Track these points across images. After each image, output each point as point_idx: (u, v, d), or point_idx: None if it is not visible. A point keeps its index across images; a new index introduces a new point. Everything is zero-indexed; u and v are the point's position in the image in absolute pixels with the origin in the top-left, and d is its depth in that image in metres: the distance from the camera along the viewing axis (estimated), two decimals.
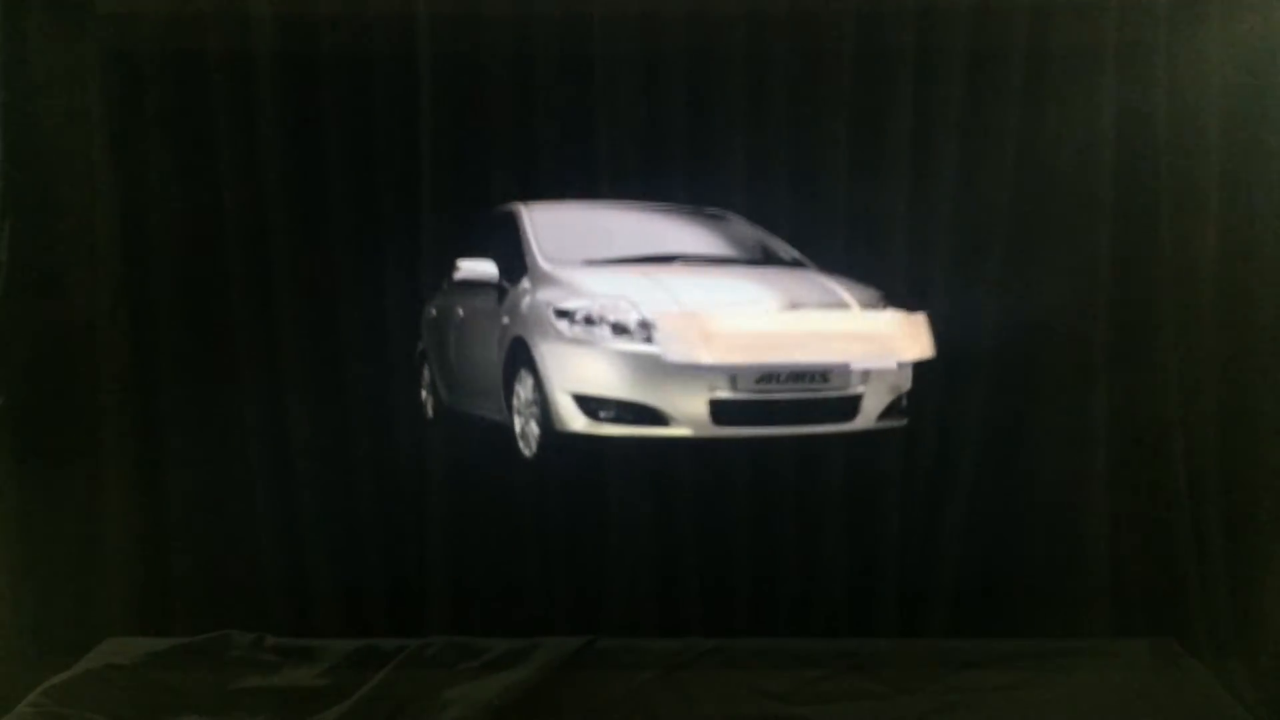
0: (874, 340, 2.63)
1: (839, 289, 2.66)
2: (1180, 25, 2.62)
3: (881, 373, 2.63)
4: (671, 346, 2.52)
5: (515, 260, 2.72)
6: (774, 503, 2.72)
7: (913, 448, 2.71)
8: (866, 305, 2.65)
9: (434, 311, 2.83)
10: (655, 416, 2.54)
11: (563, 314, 2.58)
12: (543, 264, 2.69)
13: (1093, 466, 2.69)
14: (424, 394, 2.88)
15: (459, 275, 2.70)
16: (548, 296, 2.63)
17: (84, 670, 2.48)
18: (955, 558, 2.73)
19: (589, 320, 2.56)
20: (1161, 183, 2.65)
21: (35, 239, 2.65)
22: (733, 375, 2.54)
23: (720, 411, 2.54)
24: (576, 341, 2.56)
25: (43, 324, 2.68)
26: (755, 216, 2.71)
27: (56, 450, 2.70)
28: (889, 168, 2.65)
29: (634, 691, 2.49)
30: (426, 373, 2.88)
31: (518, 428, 2.71)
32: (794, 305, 2.62)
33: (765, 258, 2.76)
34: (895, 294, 2.67)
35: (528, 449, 2.69)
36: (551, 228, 2.73)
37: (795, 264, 2.73)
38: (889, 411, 2.66)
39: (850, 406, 2.62)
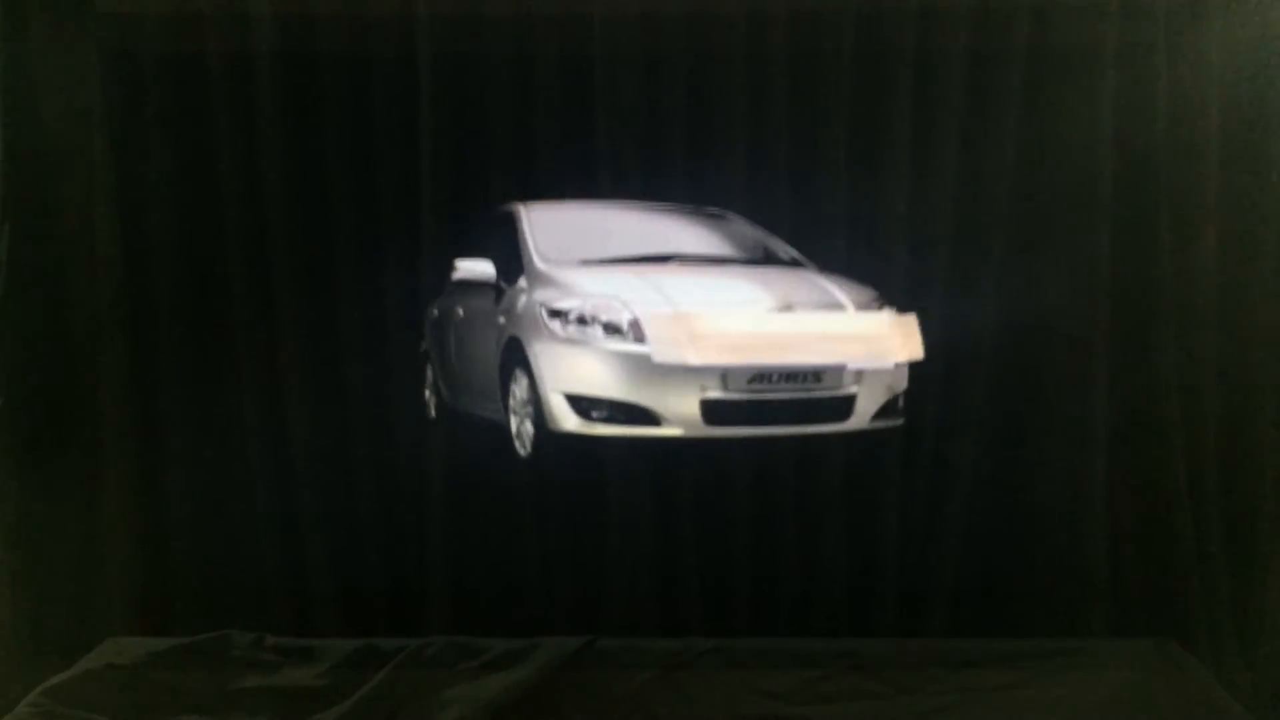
0: (867, 341, 2.63)
1: (834, 289, 2.66)
2: (1180, 25, 2.62)
3: (876, 373, 2.62)
4: (659, 347, 2.52)
5: (513, 260, 2.72)
6: (774, 503, 2.72)
7: (913, 448, 2.71)
8: (861, 306, 2.65)
9: (436, 311, 2.84)
10: (647, 416, 2.54)
11: (556, 314, 2.58)
12: (539, 264, 2.69)
13: (1092, 466, 2.69)
14: (427, 394, 2.88)
15: (457, 275, 2.71)
16: (542, 296, 2.63)
17: (84, 670, 2.48)
18: (955, 558, 2.73)
19: (582, 320, 2.56)
20: (1161, 183, 2.65)
21: (35, 239, 2.65)
22: (724, 375, 2.54)
23: (712, 411, 2.54)
24: (569, 341, 2.57)
25: (43, 324, 2.68)
26: (755, 216, 2.71)
27: (56, 450, 2.70)
28: (889, 168, 2.65)
29: (634, 691, 2.49)
30: (430, 372, 2.89)
31: (514, 427, 2.72)
32: (787, 306, 2.62)
33: (763, 258, 2.75)
34: (891, 294, 2.67)
35: (523, 449, 2.69)
36: (549, 227, 2.73)
37: (793, 264, 2.73)
38: (884, 412, 2.65)
39: (844, 407, 2.62)
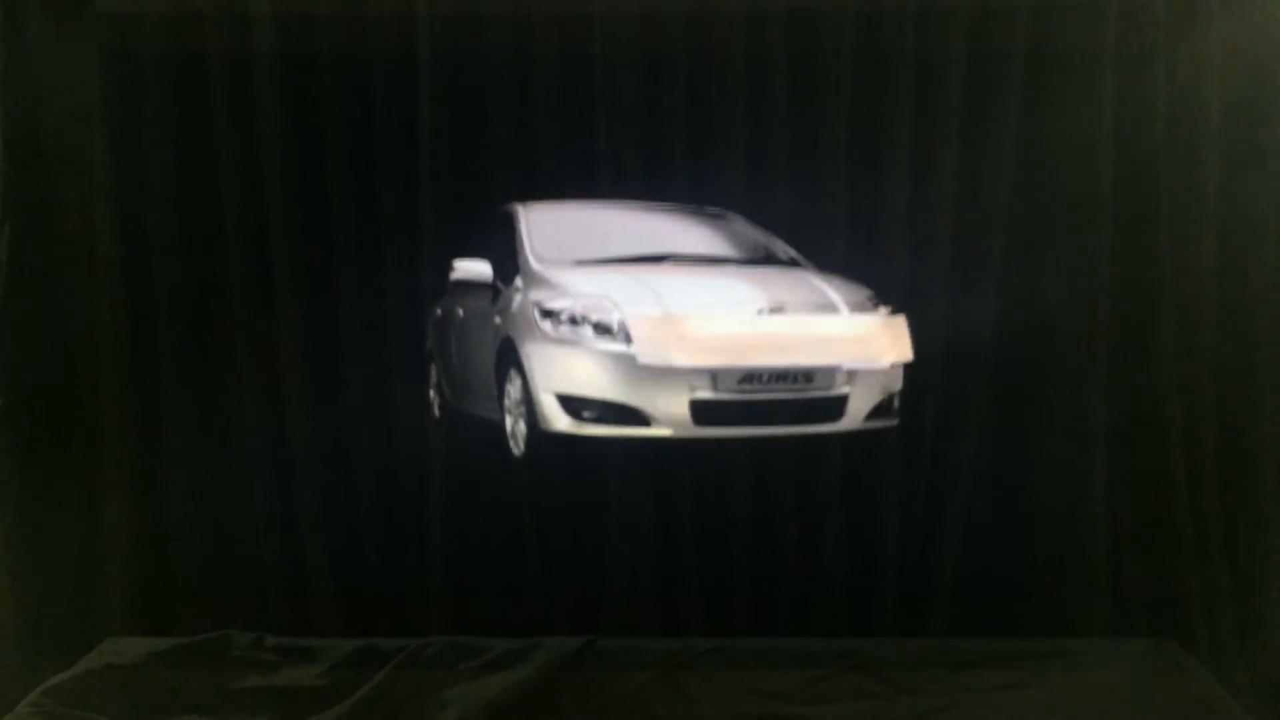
0: (859, 342, 2.62)
1: (828, 289, 2.65)
2: (1180, 25, 2.62)
3: (868, 373, 2.62)
4: (645, 348, 2.52)
5: (509, 260, 2.72)
6: (774, 503, 2.72)
7: (913, 447, 2.71)
8: (856, 306, 2.64)
9: (439, 311, 2.84)
10: (636, 417, 2.54)
11: (548, 314, 2.58)
12: (534, 264, 2.69)
13: (1093, 466, 2.69)
14: (431, 393, 2.89)
15: (455, 275, 2.71)
16: (536, 297, 2.63)
17: (84, 670, 2.48)
18: (955, 558, 2.73)
19: (573, 320, 2.56)
20: (1161, 183, 2.65)
21: (35, 239, 2.65)
22: (714, 376, 2.53)
23: (701, 412, 2.54)
24: (561, 341, 2.57)
25: (43, 324, 2.68)
26: (754, 216, 2.71)
27: (56, 450, 2.70)
28: (889, 168, 2.65)
29: (634, 691, 2.49)
30: (434, 372, 2.89)
31: (509, 427, 2.72)
32: (778, 306, 2.61)
33: (761, 258, 2.75)
34: (890, 294, 2.67)
35: (517, 448, 2.70)
36: (546, 228, 2.73)
37: (791, 263, 2.73)
38: (878, 412, 2.65)
39: (836, 407, 2.61)
